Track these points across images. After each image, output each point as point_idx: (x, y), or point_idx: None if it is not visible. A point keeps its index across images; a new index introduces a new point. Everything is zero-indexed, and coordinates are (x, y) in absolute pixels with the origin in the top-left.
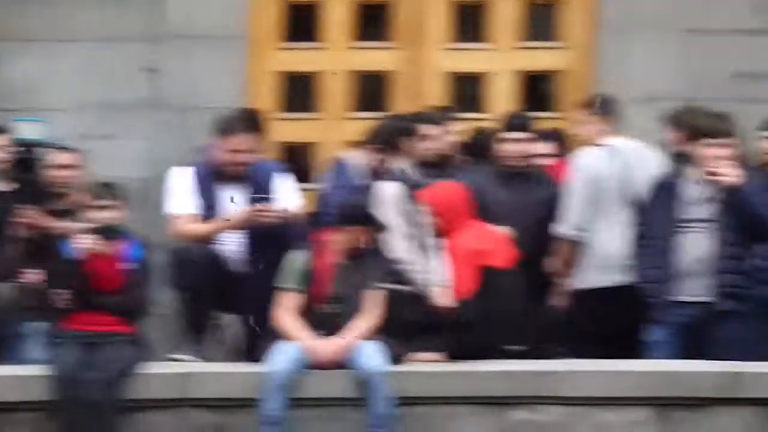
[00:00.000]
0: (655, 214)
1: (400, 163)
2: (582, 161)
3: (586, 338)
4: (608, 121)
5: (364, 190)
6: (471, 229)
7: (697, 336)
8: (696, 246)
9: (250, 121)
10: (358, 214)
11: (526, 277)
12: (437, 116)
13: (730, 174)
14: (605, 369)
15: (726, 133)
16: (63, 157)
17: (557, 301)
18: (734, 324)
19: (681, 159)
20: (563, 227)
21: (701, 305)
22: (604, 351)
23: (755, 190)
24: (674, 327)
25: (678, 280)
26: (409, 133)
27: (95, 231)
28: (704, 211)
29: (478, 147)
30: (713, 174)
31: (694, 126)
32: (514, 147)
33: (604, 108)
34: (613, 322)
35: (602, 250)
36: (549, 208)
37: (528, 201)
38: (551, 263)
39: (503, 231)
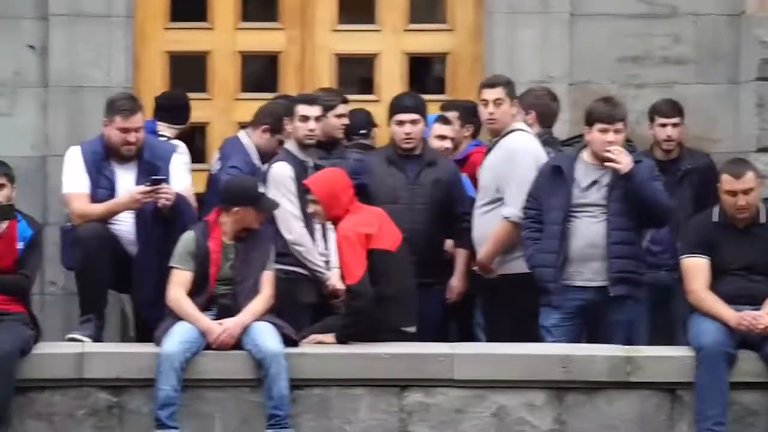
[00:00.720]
0: (548, 199)
1: (290, 145)
2: (529, 145)
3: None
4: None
5: (254, 171)
6: (355, 214)
7: (592, 320)
8: (589, 231)
9: (139, 102)
10: (244, 194)
11: (421, 258)
12: (316, 97)
13: (623, 159)
14: (500, 352)
15: (618, 119)
16: None
17: (457, 283)
18: (627, 308)
19: (571, 143)
20: (510, 210)
21: (595, 290)
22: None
23: (646, 175)
24: (569, 311)
25: (571, 264)
26: (290, 114)
27: None
28: (596, 195)
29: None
30: (606, 159)
31: (589, 111)
32: (402, 129)
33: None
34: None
35: None
36: (444, 190)
37: (421, 182)
38: (452, 245)
39: (383, 213)
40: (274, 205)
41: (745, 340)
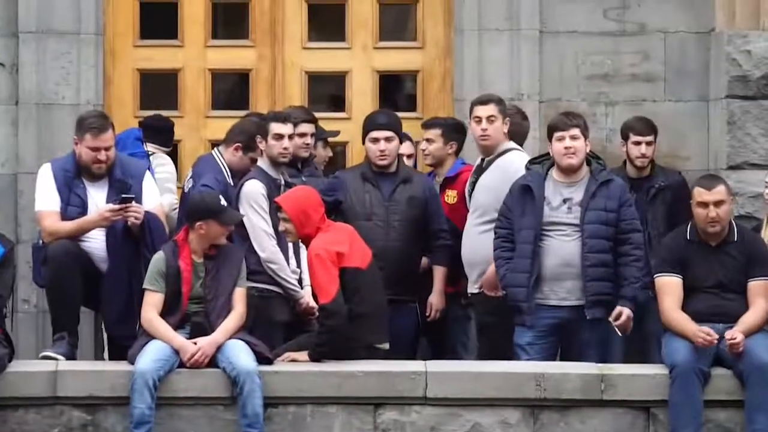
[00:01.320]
0: (519, 219)
1: (263, 162)
2: (524, 164)
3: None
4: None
5: (226, 189)
6: (326, 232)
7: (565, 338)
8: (562, 250)
9: (109, 120)
10: (205, 208)
11: (395, 275)
12: (288, 115)
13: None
14: (473, 370)
15: (571, 125)
16: None
17: (436, 301)
18: (601, 327)
19: (540, 161)
20: None
21: (569, 308)
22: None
23: (614, 197)
24: (543, 330)
25: (545, 283)
26: (264, 132)
27: None
28: (568, 214)
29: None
30: (567, 166)
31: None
32: (377, 146)
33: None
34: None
35: None
36: (419, 207)
37: (396, 199)
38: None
39: (353, 230)
40: (237, 216)
41: (719, 358)
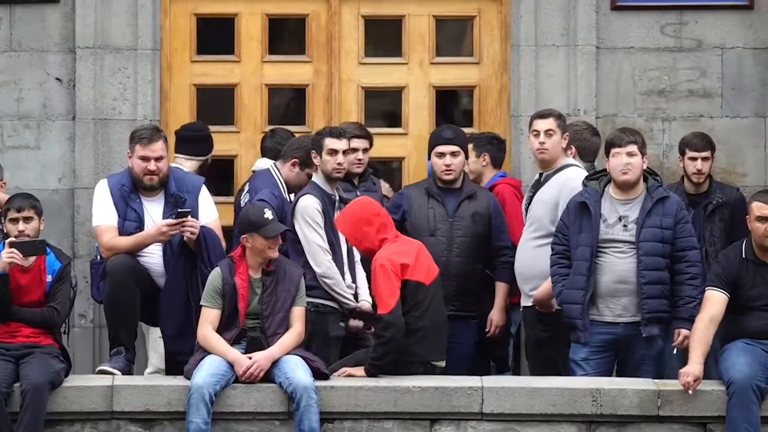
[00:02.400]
0: (575, 236)
1: (317, 178)
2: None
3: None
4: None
5: (283, 204)
6: (393, 243)
7: (621, 355)
8: (617, 267)
9: (160, 131)
10: (247, 222)
11: (458, 291)
12: (343, 130)
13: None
14: (530, 385)
15: (627, 141)
16: None
17: (497, 317)
18: (656, 342)
19: (597, 178)
20: None
21: (625, 325)
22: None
23: (670, 214)
24: (598, 345)
25: (601, 300)
26: (319, 147)
27: (14, 244)
28: (623, 231)
29: None
30: (624, 182)
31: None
32: (443, 161)
33: None
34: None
35: None
36: (482, 224)
37: (460, 215)
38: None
39: (422, 246)
40: (279, 228)
41: None
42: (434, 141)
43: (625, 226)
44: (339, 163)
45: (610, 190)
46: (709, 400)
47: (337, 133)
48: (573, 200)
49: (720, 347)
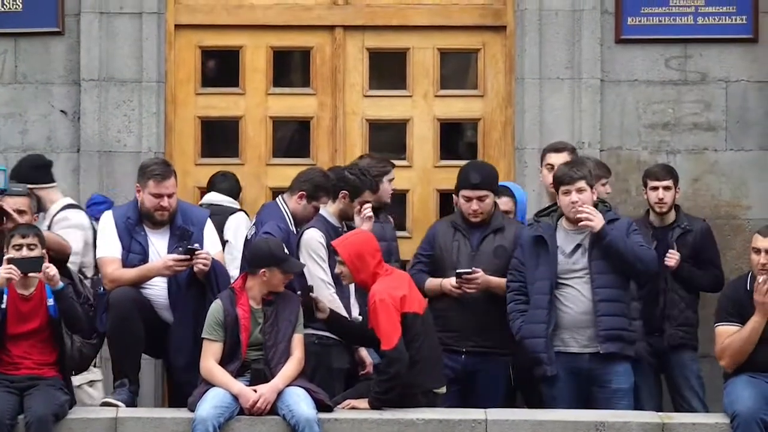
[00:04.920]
0: (533, 270)
1: (325, 211)
2: None
3: None
4: None
5: (288, 237)
6: (386, 277)
7: (590, 384)
8: (580, 296)
9: (171, 167)
10: (269, 256)
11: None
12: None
13: (593, 217)
14: (534, 418)
15: (576, 177)
16: (18, 202)
17: None
18: (624, 373)
19: (548, 213)
20: None
21: (590, 355)
22: None
23: (621, 230)
24: (567, 376)
25: (565, 331)
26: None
27: (12, 260)
28: (582, 259)
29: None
30: (578, 220)
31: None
32: (470, 205)
33: None
34: None
35: None
36: (506, 258)
37: (483, 250)
38: None
39: (409, 276)
40: (299, 265)
41: None
42: (461, 183)
43: (583, 254)
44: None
45: (563, 223)
46: None
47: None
48: (526, 236)
49: (725, 380)
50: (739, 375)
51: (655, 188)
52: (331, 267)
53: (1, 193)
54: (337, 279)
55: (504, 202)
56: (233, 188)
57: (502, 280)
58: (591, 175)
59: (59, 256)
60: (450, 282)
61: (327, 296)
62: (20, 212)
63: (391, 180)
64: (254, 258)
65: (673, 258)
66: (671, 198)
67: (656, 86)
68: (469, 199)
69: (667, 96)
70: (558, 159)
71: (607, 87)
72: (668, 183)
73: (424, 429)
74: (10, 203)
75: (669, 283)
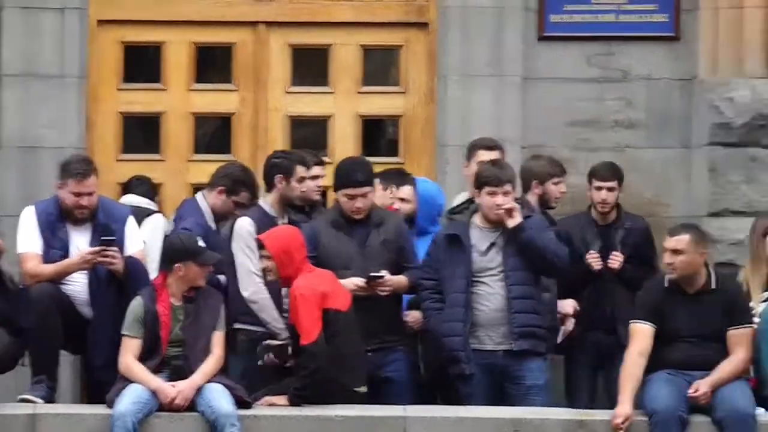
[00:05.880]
0: (447, 269)
1: (264, 201)
2: None
3: None
4: None
5: (207, 233)
6: (309, 273)
7: (504, 380)
8: (495, 294)
9: (93, 164)
10: (183, 250)
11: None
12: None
13: (513, 213)
14: (454, 415)
15: (505, 180)
16: None
17: None
18: (537, 369)
19: (460, 210)
20: None
21: (504, 352)
22: None
23: (536, 226)
24: (483, 374)
25: (480, 329)
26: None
27: None
28: (497, 258)
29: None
30: (498, 219)
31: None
32: (354, 203)
33: None
34: None
35: None
36: (393, 250)
37: (370, 245)
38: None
39: (333, 274)
40: (214, 257)
41: (698, 404)
42: (344, 182)
43: (497, 252)
44: (319, 186)
45: (477, 220)
46: (633, 431)
47: (307, 160)
48: (440, 234)
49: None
50: (657, 372)
51: (599, 188)
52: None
53: None
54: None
55: (405, 192)
56: (149, 191)
57: (401, 278)
58: (515, 177)
59: None
60: (355, 282)
61: (251, 286)
62: None
63: (314, 177)
64: (169, 253)
65: (616, 260)
66: (614, 198)
67: (578, 84)
68: (352, 197)
69: (589, 94)
70: (489, 156)
71: (530, 84)
72: (613, 184)
73: (343, 425)
74: None
75: (615, 283)
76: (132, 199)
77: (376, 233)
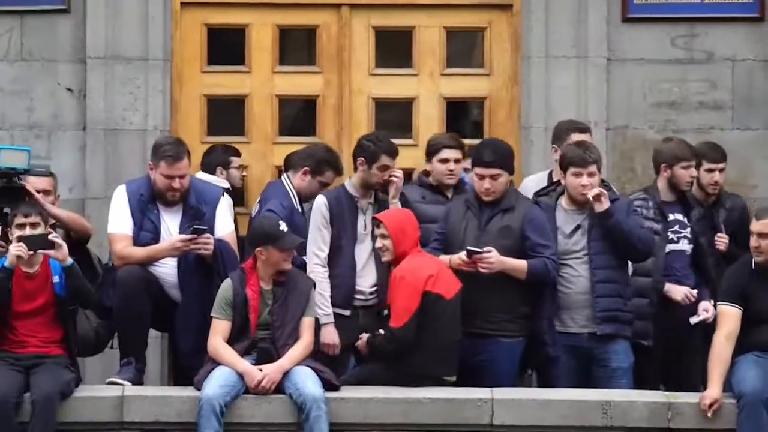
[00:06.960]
0: None
1: (349, 182)
2: None
3: None
4: None
5: (293, 214)
6: (416, 256)
7: (590, 363)
8: (580, 277)
9: (185, 147)
10: (263, 234)
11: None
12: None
13: (602, 198)
14: (540, 398)
15: (590, 161)
16: (41, 182)
17: None
18: (623, 353)
19: (547, 192)
20: None
21: (589, 335)
22: None
23: (623, 211)
24: (567, 358)
25: (566, 311)
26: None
27: (22, 238)
28: (582, 240)
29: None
30: (585, 201)
31: (563, 156)
32: (483, 183)
33: None
34: None
35: None
36: (513, 238)
37: (489, 230)
38: None
39: (443, 262)
40: (296, 241)
41: None
42: (474, 161)
43: (582, 234)
44: (450, 170)
45: (563, 202)
46: (720, 413)
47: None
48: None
49: (733, 360)
50: (745, 354)
51: (711, 170)
52: (339, 233)
53: (24, 173)
54: (337, 247)
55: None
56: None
57: (518, 262)
58: (601, 159)
59: (80, 236)
60: (459, 257)
61: (309, 267)
62: (45, 192)
63: (443, 160)
64: (251, 238)
65: (722, 242)
66: (723, 180)
67: (662, 65)
68: (481, 177)
69: (673, 75)
70: (582, 139)
71: (614, 66)
72: (723, 165)
73: (431, 408)
74: (34, 183)
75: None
76: (202, 176)
77: (499, 218)
